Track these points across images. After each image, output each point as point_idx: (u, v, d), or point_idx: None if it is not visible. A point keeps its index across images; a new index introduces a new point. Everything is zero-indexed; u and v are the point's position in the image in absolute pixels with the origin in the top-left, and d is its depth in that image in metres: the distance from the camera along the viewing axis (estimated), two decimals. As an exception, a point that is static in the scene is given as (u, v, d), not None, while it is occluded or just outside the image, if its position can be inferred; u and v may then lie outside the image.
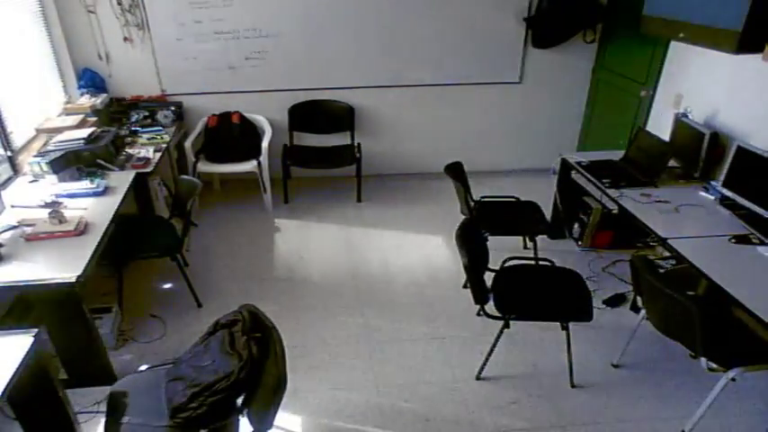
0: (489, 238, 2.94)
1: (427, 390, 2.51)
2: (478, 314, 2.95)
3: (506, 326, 2.42)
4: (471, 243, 2.39)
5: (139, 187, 3.24)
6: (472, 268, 2.28)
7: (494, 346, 2.52)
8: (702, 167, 3.00)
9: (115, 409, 1.86)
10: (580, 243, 3.64)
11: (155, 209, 3.52)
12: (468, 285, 2.75)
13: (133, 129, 3.79)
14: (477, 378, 2.58)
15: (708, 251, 2.33)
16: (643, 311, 2.38)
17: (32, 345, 1.76)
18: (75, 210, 2.65)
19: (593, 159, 3.31)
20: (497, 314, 2.40)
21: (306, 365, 2.65)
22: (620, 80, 4.08)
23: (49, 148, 3.08)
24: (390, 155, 4.72)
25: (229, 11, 3.98)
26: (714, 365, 2.03)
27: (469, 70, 4.38)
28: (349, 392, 2.50)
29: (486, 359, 2.57)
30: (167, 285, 3.26)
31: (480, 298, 2.37)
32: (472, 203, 3.23)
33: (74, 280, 2.12)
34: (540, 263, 2.77)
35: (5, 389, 1.58)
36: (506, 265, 2.68)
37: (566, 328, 2.44)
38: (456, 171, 3.05)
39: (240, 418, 1.81)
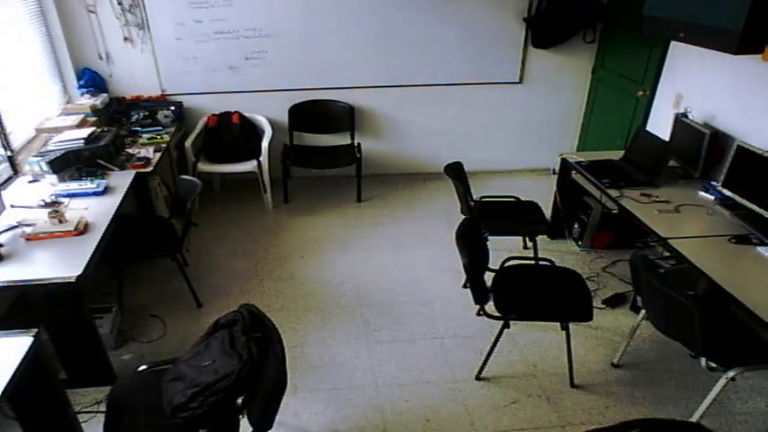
0: (489, 238, 2.94)
1: (427, 390, 2.51)
2: (478, 314, 2.95)
3: (506, 326, 2.42)
4: (471, 243, 2.40)
5: (139, 187, 3.24)
6: (472, 268, 2.28)
7: (494, 346, 2.52)
8: (702, 167, 3.00)
9: (115, 409, 1.87)
10: (580, 243, 3.64)
11: (155, 209, 3.52)
12: (468, 285, 2.75)
13: (133, 129, 3.79)
14: (477, 378, 2.58)
15: (708, 251, 2.33)
16: (643, 311, 2.38)
17: (32, 345, 1.75)
18: (75, 210, 2.66)
19: (592, 159, 3.31)
20: (497, 314, 2.40)
21: (306, 365, 2.66)
22: (619, 80, 4.07)
23: (49, 148, 3.08)
24: (390, 155, 4.73)
25: (229, 11, 3.98)
26: (714, 365, 2.03)
27: (469, 70, 4.38)
28: (349, 392, 2.50)
29: (486, 359, 2.57)
30: (167, 285, 3.26)
31: (480, 298, 2.38)
32: (472, 203, 3.23)
33: (74, 279, 2.12)
34: (540, 263, 2.77)
35: (5, 389, 1.58)
36: (506, 265, 2.68)
37: (566, 328, 2.44)
38: (456, 171, 3.05)
39: (240, 417, 1.81)
